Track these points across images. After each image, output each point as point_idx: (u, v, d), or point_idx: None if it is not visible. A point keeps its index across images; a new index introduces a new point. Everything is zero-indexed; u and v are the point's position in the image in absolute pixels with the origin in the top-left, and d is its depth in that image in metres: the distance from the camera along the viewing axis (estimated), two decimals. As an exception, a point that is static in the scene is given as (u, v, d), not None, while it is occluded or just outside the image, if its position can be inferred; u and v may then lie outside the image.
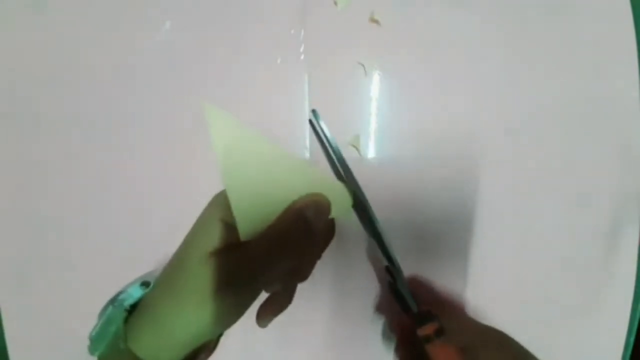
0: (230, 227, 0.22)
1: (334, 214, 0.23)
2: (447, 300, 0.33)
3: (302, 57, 0.33)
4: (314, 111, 0.31)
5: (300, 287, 0.32)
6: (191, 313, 0.22)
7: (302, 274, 0.25)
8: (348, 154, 0.33)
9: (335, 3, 0.33)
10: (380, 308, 0.33)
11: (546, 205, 0.34)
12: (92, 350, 0.25)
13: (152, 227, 0.33)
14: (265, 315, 0.25)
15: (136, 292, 0.25)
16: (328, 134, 0.30)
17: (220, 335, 0.26)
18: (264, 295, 0.25)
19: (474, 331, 0.29)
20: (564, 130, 0.34)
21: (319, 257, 0.26)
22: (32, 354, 0.33)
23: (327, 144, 0.31)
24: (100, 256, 0.33)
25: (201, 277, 0.22)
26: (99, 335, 0.25)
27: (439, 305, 0.32)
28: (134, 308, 0.25)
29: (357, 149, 0.33)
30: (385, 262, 0.31)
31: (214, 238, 0.22)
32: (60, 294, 0.30)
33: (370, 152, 0.33)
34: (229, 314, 0.22)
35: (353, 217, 0.32)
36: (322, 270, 0.32)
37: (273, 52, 0.33)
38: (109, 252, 0.33)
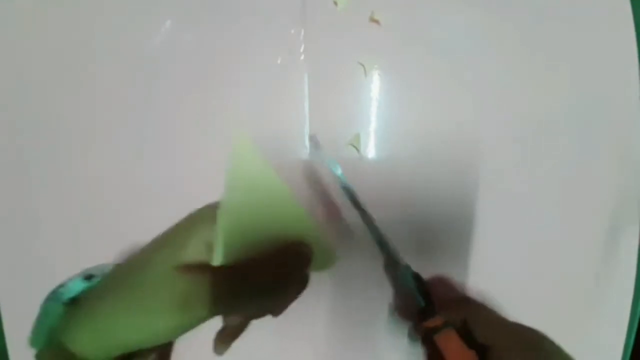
0: (206, 246, 0.22)
1: (314, 268, 0.23)
2: (473, 299, 0.33)
3: (302, 57, 0.33)
4: (312, 137, 0.32)
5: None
6: (143, 321, 0.21)
7: (261, 314, 0.25)
8: (348, 154, 0.33)
9: (335, 3, 0.33)
10: (399, 310, 0.33)
11: (546, 206, 0.34)
12: (31, 343, 0.24)
13: (154, 228, 0.33)
14: (221, 344, 0.25)
15: (77, 286, 0.24)
16: (326, 158, 0.31)
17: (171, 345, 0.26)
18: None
19: (502, 330, 0.28)
20: (563, 131, 0.34)
21: (285, 305, 0.25)
22: (32, 354, 0.33)
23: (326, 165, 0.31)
24: (101, 256, 0.33)
25: (165, 289, 0.21)
26: (35, 329, 0.25)
27: (463, 303, 0.32)
28: (73, 301, 0.24)
29: (357, 149, 0.33)
30: (386, 262, 0.31)
31: (188, 253, 0.22)
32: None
33: (370, 152, 0.33)
34: (180, 328, 0.21)
35: (355, 220, 0.32)
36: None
37: (273, 52, 0.33)
38: (110, 252, 0.33)
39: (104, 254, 0.32)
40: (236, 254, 0.22)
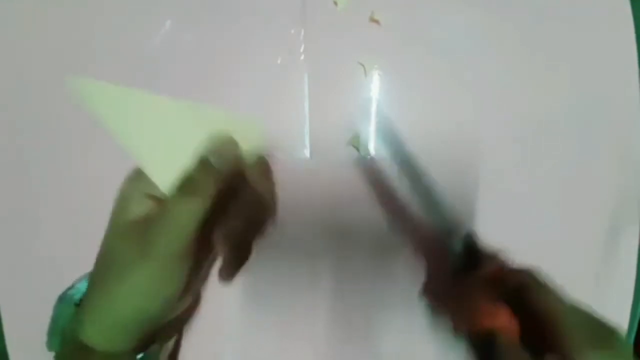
0: (152, 198, 0.23)
1: (246, 146, 0.23)
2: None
3: (302, 57, 0.33)
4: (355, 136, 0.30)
5: (300, 287, 0.33)
6: (120, 287, 0.22)
7: (234, 228, 0.24)
8: (348, 154, 0.33)
9: (335, 3, 0.33)
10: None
11: (546, 206, 0.34)
12: (48, 346, 0.26)
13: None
14: (223, 275, 0.25)
15: (85, 287, 0.25)
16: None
17: (181, 327, 0.27)
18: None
19: (572, 319, 0.24)
20: (563, 131, 0.34)
21: (254, 210, 0.25)
22: (32, 354, 0.33)
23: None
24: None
25: (122, 249, 0.22)
26: (51, 331, 0.26)
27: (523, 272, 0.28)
28: (82, 301, 0.25)
29: (357, 149, 0.33)
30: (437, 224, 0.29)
31: (133, 211, 0.23)
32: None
33: (370, 152, 0.33)
34: (159, 281, 0.22)
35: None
36: (323, 270, 0.33)
37: (273, 52, 0.33)
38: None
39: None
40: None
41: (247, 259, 0.26)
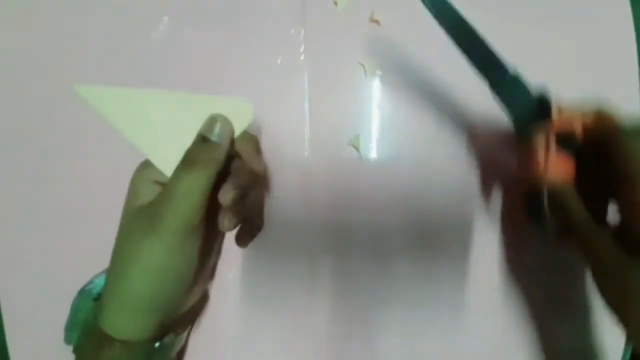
0: (156, 184, 0.24)
1: (237, 125, 0.24)
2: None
3: (302, 57, 0.33)
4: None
5: (300, 287, 0.33)
6: (133, 266, 0.23)
7: (245, 196, 0.25)
8: (348, 154, 0.33)
9: (335, 3, 0.33)
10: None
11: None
12: (66, 340, 0.27)
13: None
14: (240, 240, 0.27)
15: (102, 282, 0.26)
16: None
17: (193, 320, 0.28)
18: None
19: None
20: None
21: (254, 176, 0.26)
22: (32, 354, 0.33)
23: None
24: (102, 256, 0.33)
25: (133, 230, 0.23)
26: (70, 325, 0.27)
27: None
28: (100, 296, 0.26)
29: (357, 149, 0.33)
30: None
31: (143, 197, 0.24)
32: (61, 294, 0.30)
33: (370, 152, 0.33)
34: (170, 257, 0.23)
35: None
36: (323, 270, 0.33)
37: (273, 52, 0.33)
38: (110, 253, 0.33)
39: (106, 254, 0.32)
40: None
41: (261, 227, 0.28)
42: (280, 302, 0.32)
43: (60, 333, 0.27)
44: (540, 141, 0.26)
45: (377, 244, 0.33)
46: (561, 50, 0.34)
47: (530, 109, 0.27)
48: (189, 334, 0.32)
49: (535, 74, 0.34)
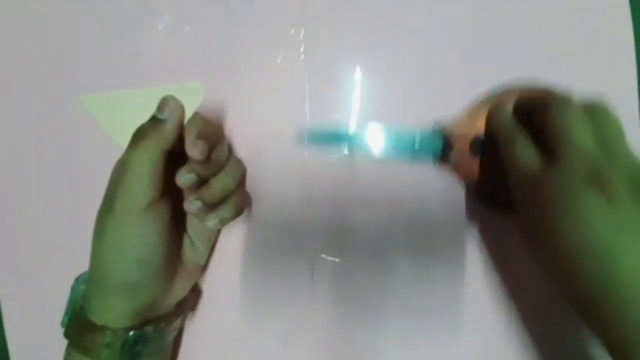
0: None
1: (188, 107, 0.26)
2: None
3: (302, 57, 0.33)
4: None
5: (300, 287, 0.33)
6: (99, 247, 0.24)
7: (204, 180, 0.26)
8: (348, 154, 0.33)
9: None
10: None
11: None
12: (62, 324, 0.28)
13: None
14: (208, 220, 0.27)
15: None
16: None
17: (176, 316, 0.28)
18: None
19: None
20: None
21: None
22: (32, 354, 0.33)
23: None
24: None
25: (99, 214, 0.25)
26: (66, 311, 0.28)
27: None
28: None
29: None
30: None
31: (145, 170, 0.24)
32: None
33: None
34: (129, 236, 0.24)
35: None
36: (322, 270, 0.33)
37: (273, 52, 0.33)
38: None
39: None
40: None
41: (233, 215, 0.28)
42: (279, 302, 0.33)
43: (60, 333, 0.27)
44: (458, 160, 0.31)
45: (377, 244, 0.33)
46: (559, 49, 0.34)
47: (436, 150, 0.32)
48: (181, 332, 0.31)
49: (533, 73, 0.34)
